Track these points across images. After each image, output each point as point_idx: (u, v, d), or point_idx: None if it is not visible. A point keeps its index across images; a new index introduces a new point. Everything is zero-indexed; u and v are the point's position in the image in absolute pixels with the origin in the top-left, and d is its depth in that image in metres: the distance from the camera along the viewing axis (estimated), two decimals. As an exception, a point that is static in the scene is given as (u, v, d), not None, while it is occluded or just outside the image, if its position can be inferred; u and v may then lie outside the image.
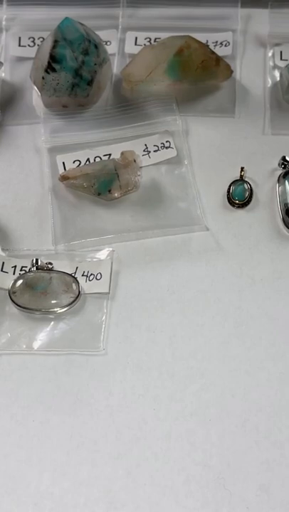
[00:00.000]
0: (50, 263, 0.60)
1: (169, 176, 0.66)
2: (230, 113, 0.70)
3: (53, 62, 0.66)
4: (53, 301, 0.58)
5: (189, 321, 0.58)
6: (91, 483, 0.51)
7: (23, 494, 0.51)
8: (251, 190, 0.64)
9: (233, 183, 0.64)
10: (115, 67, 0.73)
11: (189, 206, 0.64)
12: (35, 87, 0.69)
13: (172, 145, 0.67)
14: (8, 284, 0.59)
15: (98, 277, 0.60)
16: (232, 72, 0.71)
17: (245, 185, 0.64)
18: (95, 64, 0.67)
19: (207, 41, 0.73)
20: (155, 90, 0.70)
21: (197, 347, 0.57)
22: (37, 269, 0.59)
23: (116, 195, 0.64)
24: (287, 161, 0.64)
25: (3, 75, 0.73)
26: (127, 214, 0.63)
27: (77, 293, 0.58)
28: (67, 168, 0.65)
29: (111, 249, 0.61)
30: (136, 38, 0.75)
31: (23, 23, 0.76)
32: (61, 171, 0.65)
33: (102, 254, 0.61)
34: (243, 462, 0.52)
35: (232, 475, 0.51)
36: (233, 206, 0.64)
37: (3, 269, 0.60)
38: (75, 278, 0.59)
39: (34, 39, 0.75)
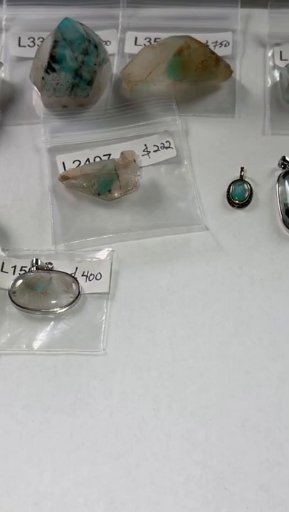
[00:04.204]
0: (50, 263, 0.60)
1: (168, 176, 0.66)
2: (230, 113, 0.70)
3: (53, 62, 0.66)
4: (52, 301, 0.58)
5: (189, 321, 0.58)
6: (91, 483, 0.51)
7: (23, 494, 0.51)
8: (251, 190, 0.64)
9: (233, 183, 0.64)
10: (115, 67, 0.73)
11: (189, 206, 0.64)
12: (35, 87, 0.70)
13: (172, 145, 0.67)
14: (8, 284, 0.59)
15: (98, 277, 0.60)
16: (232, 72, 0.71)
17: (245, 185, 0.64)
18: (95, 64, 0.67)
19: (207, 41, 0.73)
20: (155, 90, 0.70)
21: (197, 347, 0.57)
22: (37, 269, 0.59)
23: (116, 195, 0.64)
24: (287, 161, 0.64)
25: (3, 75, 0.73)
26: (126, 214, 0.63)
27: (77, 293, 0.58)
28: (67, 168, 0.65)
29: (111, 249, 0.61)
30: (136, 38, 0.75)
31: (23, 23, 0.76)
32: (61, 171, 0.65)
33: (102, 254, 0.61)
34: (243, 462, 0.52)
35: (232, 475, 0.51)
36: (233, 206, 0.64)
37: (3, 269, 0.60)
38: (75, 278, 0.59)
39: (34, 39, 0.75)
